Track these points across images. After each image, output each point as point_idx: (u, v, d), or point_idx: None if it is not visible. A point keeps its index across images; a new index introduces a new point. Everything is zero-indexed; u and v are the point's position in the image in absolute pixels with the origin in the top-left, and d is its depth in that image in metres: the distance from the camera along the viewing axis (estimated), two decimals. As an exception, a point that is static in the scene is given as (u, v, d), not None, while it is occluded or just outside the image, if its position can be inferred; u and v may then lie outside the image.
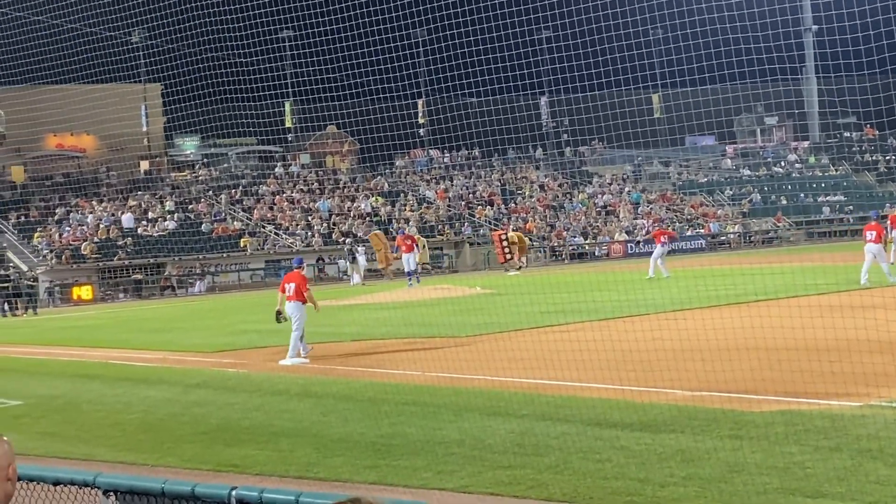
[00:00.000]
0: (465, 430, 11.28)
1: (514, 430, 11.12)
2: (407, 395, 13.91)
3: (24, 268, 48.27)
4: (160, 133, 62.11)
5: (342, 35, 31.12)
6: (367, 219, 58.57)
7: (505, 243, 50.41)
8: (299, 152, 67.11)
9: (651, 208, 65.77)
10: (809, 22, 55.56)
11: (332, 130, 65.03)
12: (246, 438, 11.82)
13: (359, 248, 50.14)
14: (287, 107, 56.08)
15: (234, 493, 4.79)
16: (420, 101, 53.64)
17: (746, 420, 10.83)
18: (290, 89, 42.50)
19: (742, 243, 62.98)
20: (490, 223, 59.71)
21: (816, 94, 65.20)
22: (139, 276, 50.31)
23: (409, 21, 29.68)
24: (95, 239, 52.08)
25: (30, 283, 43.83)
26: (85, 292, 47.71)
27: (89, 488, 5.17)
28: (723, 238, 63.63)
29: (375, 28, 29.25)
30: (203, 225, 55.57)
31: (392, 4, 28.08)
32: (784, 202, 68.85)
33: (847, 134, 75.43)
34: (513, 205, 63.89)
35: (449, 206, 62.47)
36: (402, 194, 63.54)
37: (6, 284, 42.58)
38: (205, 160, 66.71)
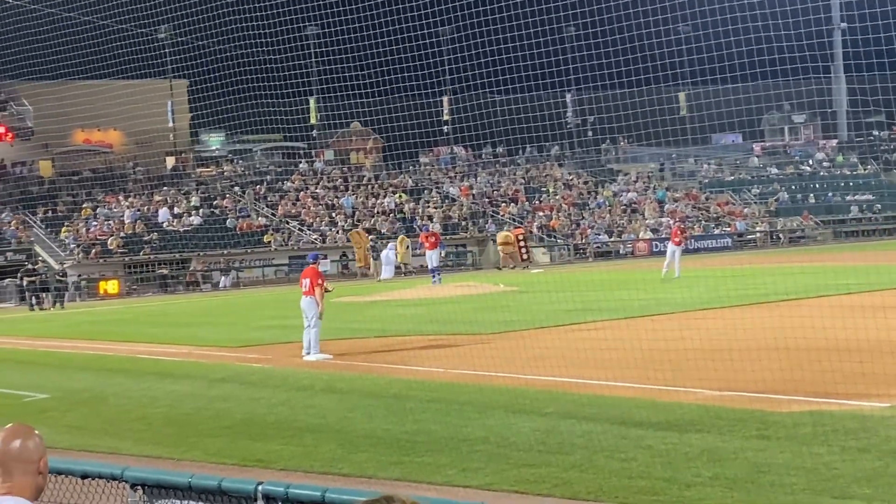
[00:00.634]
0: (490, 427, 11.26)
1: (538, 428, 11.08)
2: (431, 392, 13.90)
3: (53, 262, 48.66)
4: (186, 129, 62.36)
5: (367, 32, 31.17)
6: (391, 215, 58.65)
7: (522, 242, 50.26)
8: (324, 149, 67.23)
9: (677, 206, 65.41)
10: (838, 20, 55.03)
11: (357, 127, 65.06)
12: (271, 433, 11.85)
13: (389, 244, 50.12)
14: (312, 103, 56.10)
15: (260, 487, 4.80)
16: (445, 98, 53.53)
17: (773, 420, 10.74)
18: (315, 86, 42.56)
19: (769, 242, 62.52)
20: (514, 220, 59.59)
21: (845, 93, 64.47)
22: (165, 271, 50.64)
23: (435, 18, 29.66)
24: (122, 234, 52.48)
25: (60, 276, 44.15)
26: (111, 287, 48.07)
27: (117, 482, 5.19)
28: (749, 237, 63.18)
29: (401, 25, 29.26)
30: (228, 220, 55.84)
31: (418, 3, 28.06)
32: (812, 201, 68.27)
33: (876, 132, 74.61)
34: (537, 202, 63.73)
35: (473, 202, 62.42)
36: (426, 191, 63.54)
37: (34, 278, 42.87)
38: (230, 156, 67.02)
